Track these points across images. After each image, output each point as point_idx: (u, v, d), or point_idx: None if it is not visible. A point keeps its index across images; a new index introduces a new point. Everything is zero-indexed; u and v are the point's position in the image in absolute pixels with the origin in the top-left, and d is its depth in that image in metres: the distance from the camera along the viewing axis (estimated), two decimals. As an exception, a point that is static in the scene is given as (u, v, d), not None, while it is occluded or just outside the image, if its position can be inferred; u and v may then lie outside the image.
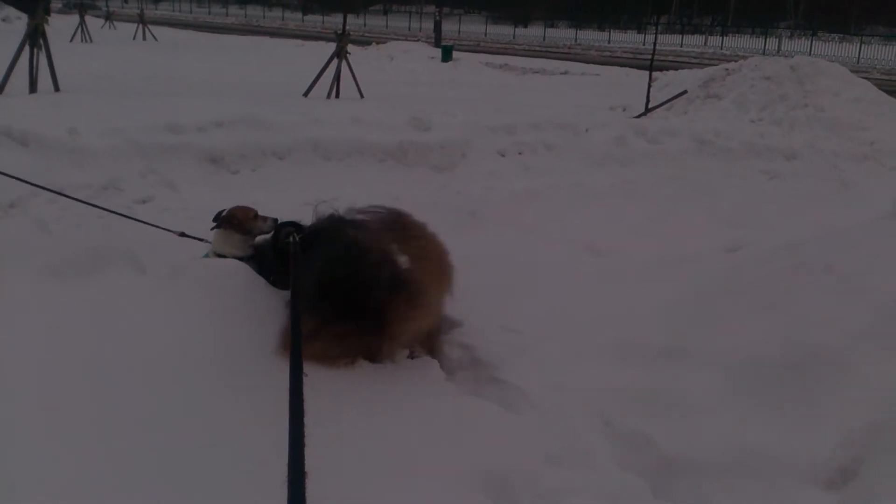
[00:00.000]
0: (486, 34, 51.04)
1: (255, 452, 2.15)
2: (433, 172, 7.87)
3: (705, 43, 44.38)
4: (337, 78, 11.43)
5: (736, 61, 14.77)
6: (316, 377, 2.64)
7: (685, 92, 12.75)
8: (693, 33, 48.65)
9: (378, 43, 29.56)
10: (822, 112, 11.38)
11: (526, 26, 57.29)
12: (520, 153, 8.52)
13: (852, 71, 13.33)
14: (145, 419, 2.33)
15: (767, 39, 40.84)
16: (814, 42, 37.74)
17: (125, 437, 2.23)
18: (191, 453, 2.17)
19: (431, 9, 46.31)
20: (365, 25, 54.14)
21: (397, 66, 23.99)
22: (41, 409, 2.33)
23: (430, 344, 2.89)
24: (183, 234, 4.02)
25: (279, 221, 3.73)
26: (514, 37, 49.61)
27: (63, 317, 2.94)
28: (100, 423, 2.29)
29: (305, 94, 11.25)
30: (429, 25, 46.19)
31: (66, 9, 51.14)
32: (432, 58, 26.77)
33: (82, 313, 3.00)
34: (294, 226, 3.47)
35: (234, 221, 3.69)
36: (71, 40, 23.93)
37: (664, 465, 2.37)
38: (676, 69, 18.45)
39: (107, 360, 2.67)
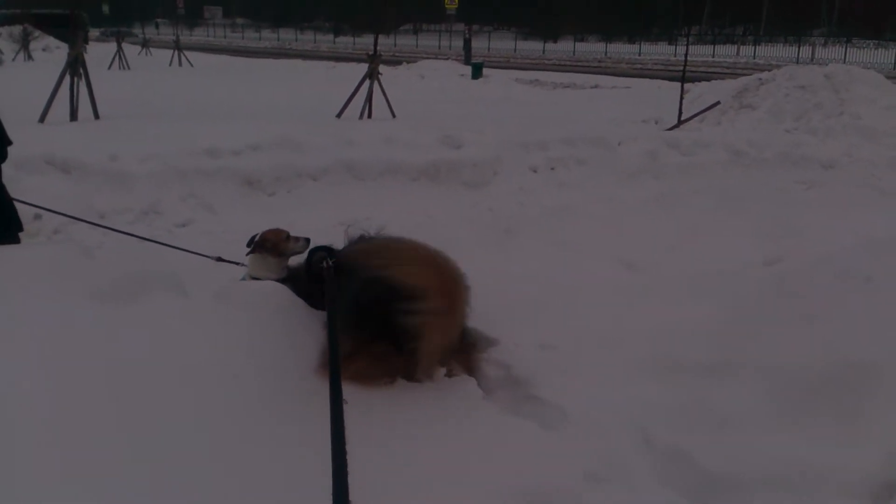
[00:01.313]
0: (515, 50, 51.22)
1: (298, 473, 2.18)
2: (466, 190, 7.92)
3: (737, 53, 44.06)
4: (369, 98, 11.55)
5: (769, 70, 14.65)
6: (355, 397, 2.67)
7: (718, 103, 12.67)
8: (725, 43, 48.29)
9: (408, 62, 29.81)
10: (858, 120, 11.24)
11: (556, 41, 57.37)
12: (552, 169, 8.54)
13: (888, 77, 13.15)
14: (189, 439, 2.38)
15: (801, 48, 40.37)
16: (848, 49, 37.19)
17: (170, 457, 2.28)
18: (234, 475, 2.21)
19: (461, 27, 46.56)
20: (395, 45, 54.61)
21: (428, 84, 24.16)
22: (86, 429, 2.39)
23: (467, 362, 2.91)
24: (220, 259, 4.09)
25: (311, 244, 3.77)
26: (543, 52, 49.72)
27: (109, 340, 3.01)
28: (144, 442, 2.35)
29: (338, 116, 11.39)
30: (458, 43, 46.48)
31: (104, 37, 52.37)
32: (462, 75, 26.93)
33: (128, 336, 3.07)
34: (326, 250, 3.51)
35: (266, 245, 3.75)
36: (109, 67, 24.48)
37: (705, 481, 2.35)
38: (709, 80, 18.35)
39: (154, 382, 2.73)
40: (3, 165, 3.88)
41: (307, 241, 3.80)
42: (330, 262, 3.29)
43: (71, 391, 2.59)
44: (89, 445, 2.28)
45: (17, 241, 3.87)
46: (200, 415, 2.52)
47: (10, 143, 3.83)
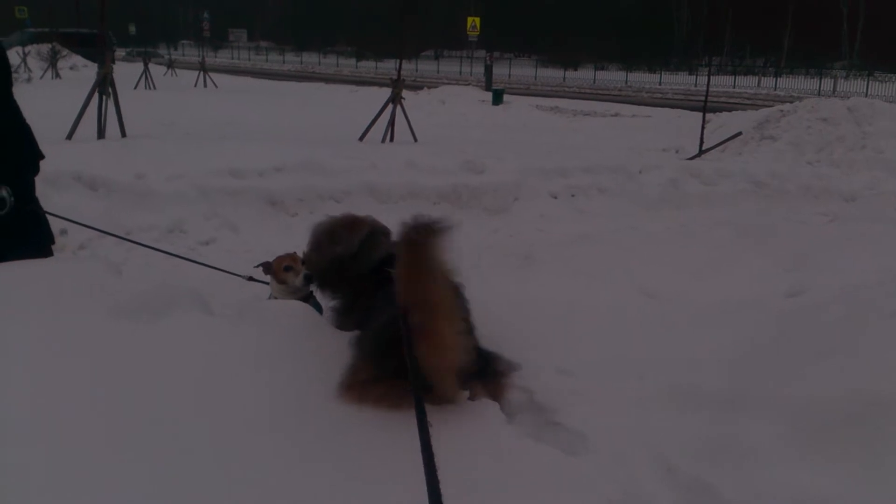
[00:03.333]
0: (536, 77, 51.51)
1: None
2: (486, 215, 7.97)
3: (758, 84, 44.05)
4: (391, 122, 11.67)
5: (790, 102, 14.66)
6: (377, 417, 2.70)
7: (740, 133, 12.68)
8: (746, 74, 48.33)
9: (430, 87, 30.03)
10: (881, 154, 11.22)
11: (576, 69, 57.67)
12: (572, 196, 8.58)
13: (911, 111, 13.10)
14: (216, 457, 2.41)
15: (822, 80, 40.30)
16: (870, 82, 37.07)
17: (194, 474, 2.31)
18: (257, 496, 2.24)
19: (482, 53, 46.93)
20: (417, 70, 55.11)
21: (449, 109, 24.32)
22: (111, 446, 2.43)
23: (494, 388, 2.91)
24: (250, 279, 4.14)
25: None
26: (564, 79, 49.93)
27: (135, 356, 3.06)
28: (171, 457, 2.38)
29: (361, 139, 11.50)
30: (479, 70, 46.80)
31: (130, 56, 53.20)
32: (483, 101, 27.08)
33: (154, 353, 3.11)
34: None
35: (271, 271, 3.80)
36: (136, 87, 24.86)
37: (727, 513, 2.34)
38: (730, 110, 18.37)
39: (177, 399, 2.76)
40: (35, 179, 3.96)
41: (309, 276, 3.84)
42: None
43: (93, 408, 2.63)
44: (113, 461, 2.31)
45: (49, 253, 3.95)
46: (220, 433, 2.55)
47: (42, 156, 3.91)
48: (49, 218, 4.10)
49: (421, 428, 1.99)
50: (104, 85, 9.94)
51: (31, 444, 2.42)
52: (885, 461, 2.42)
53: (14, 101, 3.76)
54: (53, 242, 4.06)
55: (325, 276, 3.78)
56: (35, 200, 3.90)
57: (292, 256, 3.94)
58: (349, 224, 3.89)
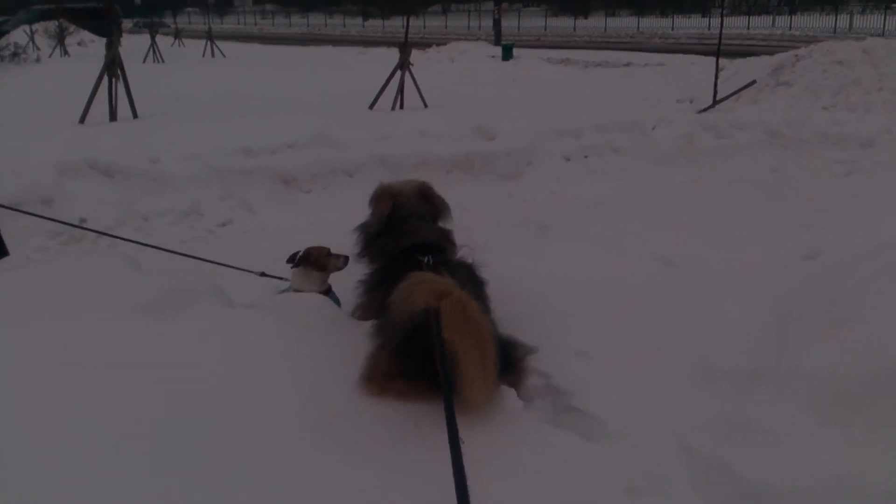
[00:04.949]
0: (545, 28, 50.77)
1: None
2: (499, 181, 7.94)
3: (773, 24, 43.18)
4: (401, 89, 11.58)
5: (806, 43, 14.37)
6: (393, 409, 2.75)
7: (754, 82, 12.48)
8: (760, 14, 47.30)
9: (438, 45, 29.72)
10: (898, 95, 11.01)
11: (586, 17, 56.72)
12: (585, 157, 8.52)
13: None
14: (238, 449, 2.49)
15: (838, 16, 39.36)
16: (887, 17, 36.16)
17: (218, 469, 2.38)
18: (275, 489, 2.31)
19: (490, 6, 46.22)
20: (424, 27, 54.47)
21: (458, 66, 24.09)
22: (135, 439, 2.50)
23: (514, 379, 2.95)
24: (263, 274, 4.18)
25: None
26: (574, 29, 49.21)
27: (158, 352, 3.12)
28: (194, 452, 2.46)
29: (370, 107, 11.44)
30: (488, 23, 46.16)
31: (137, 28, 52.93)
32: (493, 57, 26.78)
33: (176, 348, 3.17)
34: (432, 249, 3.54)
35: (310, 260, 3.83)
36: (144, 61, 24.78)
37: (745, 492, 2.38)
38: (744, 54, 18.04)
39: (200, 392, 2.83)
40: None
41: (346, 258, 3.89)
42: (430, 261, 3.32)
43: (118, 405, 2.70)
44: (139, 456, 2.39)
45: None
46: (242, 425, 2.62)
47: None
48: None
49: (452, 439, 2.04)
50: (113, 68, 9.93)
51: (59, 440, 2.50)
52: (901, 435, 2.44)
53: None
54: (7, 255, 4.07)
55: (365, 242, 3.81)
56: None
57: (322, 246, 3.99)
58: (378, 195, 3.89)
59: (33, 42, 29.19)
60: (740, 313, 3.41)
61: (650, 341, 3.27)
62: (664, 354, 3.14)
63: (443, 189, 4.26)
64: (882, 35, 26.54)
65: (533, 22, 54.22)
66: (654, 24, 48.02)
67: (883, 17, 36.65)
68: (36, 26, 31.65)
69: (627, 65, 24.36)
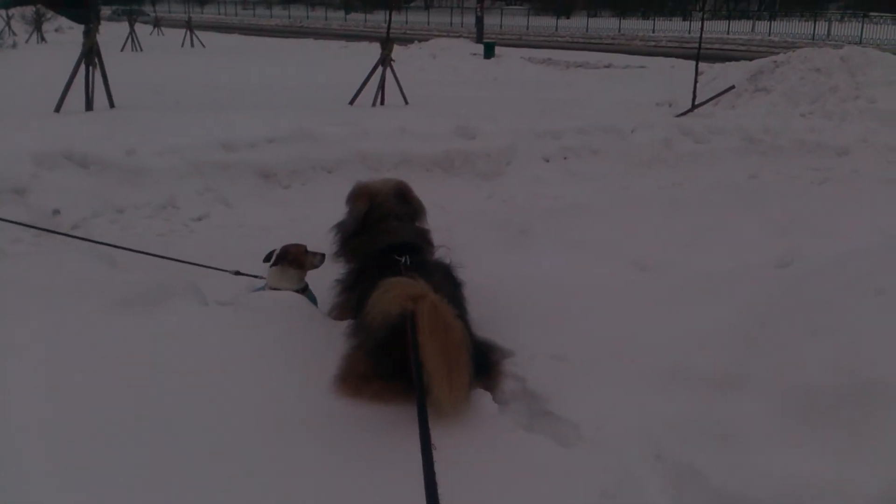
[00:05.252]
0: (528, 27, 50.84)
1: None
2: (479, 180, 7.95)
3: (753, 29, 43.61)
4: (381, 85, 11.55)
5: (785, 49, 14.50)
6: (368, 410, 2.75)
7: (733, 87, 12.58)
8: (740, 18, 47.71)
9: (420, 41, 29.67)
10: (873, 103, 11.17)
11: (569, 17, 56.85)
12: (565, 158, 8.55)
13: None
14: (210, 447, 2.48)
15: (816, 23, 39.82)
16: (865, 25, 36.64)
17: (189, 464, 2.37)
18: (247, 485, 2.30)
19: (472, 3, 46.21)
20: (407, 23, 54.32)
21: (440, 63, 24.07)
22: (107, 436, 2.49)
23: (490, 384, 2.95)
24: (238, 273, 4.15)
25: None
26: (556, 29, 49.34)
27: (133, 348, 3.10)
28: (166, 448, 2.44)
29: (351, 102, 11.39)
30: (470, 20, 46.18)
31: (116, 16, 52.32)
32: (475, 54, 26.80)
33: (151, 344, 3.15)
34: (410, 249, 3.51)
35: (288, 257, 3.81)
36: (122, 49, 24.52)
37: (717, 499, 2.40)
38: (724, 58, 18.17)
39: (174, 390, 2.82)
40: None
41: (323, 256, 3.88)
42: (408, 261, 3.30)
43: (93, 400, 2.68)
44: (111, 451, 2.37)
45: None
46: (216, 423, 2.61)
47: None
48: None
49: (423, 445, 2.04)
50: (90, 56, 9.81)
51: (32, 435, 2.48)
52: (871, 444, 2.47)
53: None
54: None
55: (342, 241, 3.79)
56: None
57: (300, 244, 3.96)
58: (355, 194, 3.87)
59: (9, 28, 28.75)
60: (715, 319, 3.43)
61: (626, 346, 3.29)
62: (639, 359, 3.16)
63: (423, 187, 4.26)
64: (860, 43, 26.94)
65: (515, 20, 54.31)
66: (635, 26, 48.28)
67: (861, 25, 37.13)
68: (12, 11, 31.17)
69: (608, 66, 24.49)
